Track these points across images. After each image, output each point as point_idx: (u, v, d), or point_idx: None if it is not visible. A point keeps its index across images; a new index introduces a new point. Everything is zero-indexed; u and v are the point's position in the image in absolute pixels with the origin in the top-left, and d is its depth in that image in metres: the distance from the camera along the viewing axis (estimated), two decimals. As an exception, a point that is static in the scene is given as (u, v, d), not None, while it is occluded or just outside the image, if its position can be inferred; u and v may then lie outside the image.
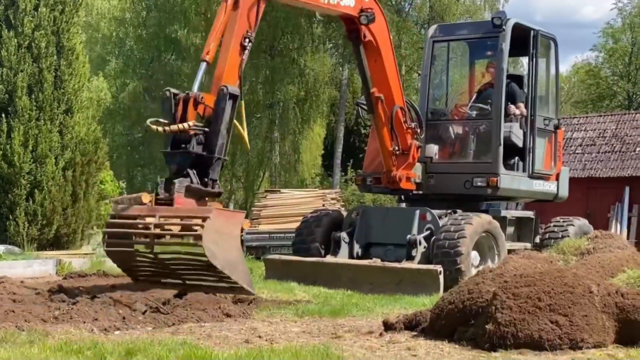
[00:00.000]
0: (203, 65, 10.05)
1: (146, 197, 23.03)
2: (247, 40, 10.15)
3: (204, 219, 8.96)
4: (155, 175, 47.67)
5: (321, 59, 39.99)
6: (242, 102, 10.20)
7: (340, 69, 40.08)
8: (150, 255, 9.65)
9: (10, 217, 16.19)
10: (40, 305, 9.01)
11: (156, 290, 10.78)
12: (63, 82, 17.05)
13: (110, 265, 14.21)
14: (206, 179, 9.63)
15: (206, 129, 9.65)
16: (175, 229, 9.54)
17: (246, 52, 10.19)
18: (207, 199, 9.69)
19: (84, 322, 8.00)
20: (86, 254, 15.99)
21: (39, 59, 16.72)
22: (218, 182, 9.77)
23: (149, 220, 9.58)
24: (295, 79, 39.96)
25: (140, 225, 9.77)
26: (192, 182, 9.52)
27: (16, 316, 8.16)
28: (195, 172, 9.58)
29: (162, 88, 46.75)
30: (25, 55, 16.55)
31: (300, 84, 40.13)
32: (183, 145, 9.63)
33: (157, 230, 9.53)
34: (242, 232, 9.59)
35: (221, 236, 9.06)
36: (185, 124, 9.48)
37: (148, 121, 9.94)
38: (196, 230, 8.98)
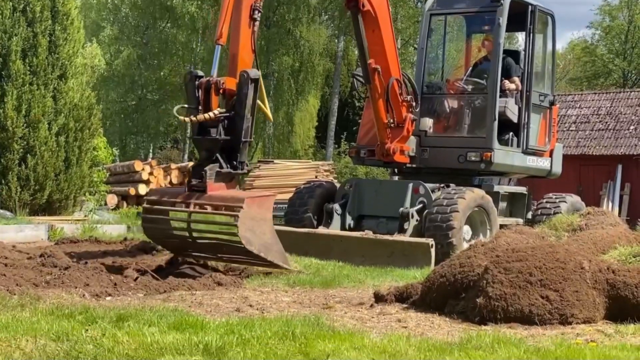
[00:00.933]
0: (218, 49, 10.06)
1: (139, 165, 22.97)
2: (255, 11, 10.10)
3: (238, 208, 9.21)
4: (148, 143, 47.68)
5: (317, 30, 39.89)
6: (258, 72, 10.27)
7: (336, 40, 39.99)
8: (188, 238, 9.87)
9: (3, 181, 16.15)
10: (31, 269, 9.01)
11: (148, 257, 10.81)
12: (57, 47, 16.95)
13: (102, 231, 14.25)
14: (235, 162, 9.77)
15: (231, 114, 9.70)
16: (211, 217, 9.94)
17: (256, 23, 10.18)
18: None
19: (76, 288, 8.00)
20: (78, 220, 15.98)
21: (34, 23, 16.60)
22: (246, 162, 9.92)
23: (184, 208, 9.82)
24: (290, 50, 39.88)
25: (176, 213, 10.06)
26: (221, 167, 9.67)
27: (7, 280, 8.15)
28: (224, 156, 9.72)
29: (156, 56, 46.86)
30: (20, 19, 16.43)
31: (295, 55, 40.05)
32: (211, 130, 9.74)
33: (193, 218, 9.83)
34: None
35: (256, 222, 9.38)
36: (211, 113, 9.56)
37: (175, 109, 10.37)
38: (232, 221, 9.29)
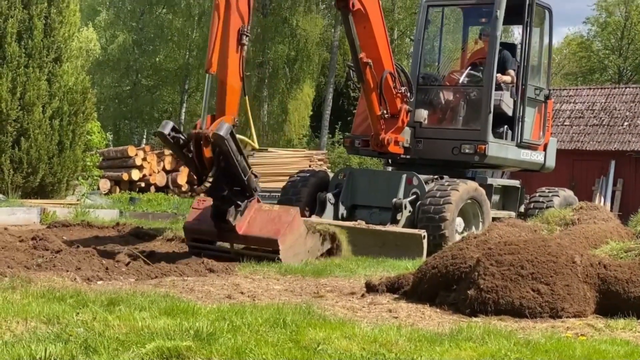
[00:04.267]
0: (209, 78, 10.02)
1: (132, 150, 22.94)
2: (243, 36, 9.98)
3: (277, 246, 9.83)
4: (142, 128, 47.64)
5: (313, 19, 39.81)
6: (247, 97, 10.26)
7: (332, 30, 39.92)
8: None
9: (-5, 163, 16.13)
10: (23, 252, 9.01)
11: (140, 242, 10.81)
12: (53, 30, 16.91)
13: (94, 216, 14.24)
14: (247, 194, 10.02)
15: (223, 165, 9.75)
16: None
17: (245, 48, 10.07)
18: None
19: (67, 271, 7.99)
20: (71, 204, 15.97)
21: (30, 6, 16.56)
22: (255, 184, 10.09)
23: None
24: (286, 39, 39.80)
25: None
26: (239, 206, 9.92)
27: (-1, 262, 8.15)
28: (236, 195, 9.94)
29: (152, 41, 46.58)
30: (16, 1, 16.40)
31: (291, 43, 39.98)
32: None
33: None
34: None
35: (295, 242, 10.05)
36: (207, 183, 9.64)
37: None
38: (277, 256, 9.84)
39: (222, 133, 9.40)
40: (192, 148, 9.69)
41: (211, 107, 10.13)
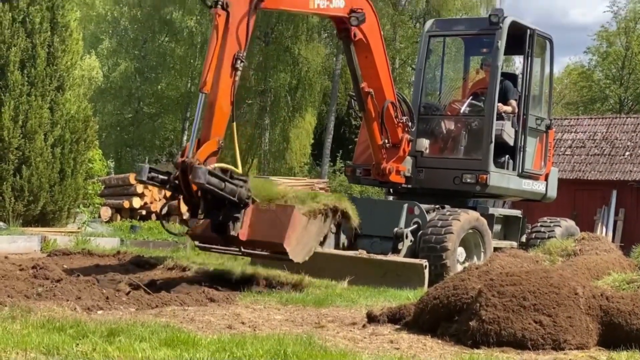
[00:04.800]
0: (202, 97, 9.95)
1: (133, 178, 22.94)
2: (238, 61, 9.95)
3: (284, 249, 9.83)
4: (144, 156, 47.64)
5: (315, 48, 39.95)
6: (234, 123, 10.18)
7: (334, 59, 40.06)
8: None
9: (-3, 191, 16.12)
10: (23, 281, 8.99)
11: (141, 271, 10.79)
12: (56, 59, 16.96)
13: (95, 244, 14.21)
14: (242, 204, 9.88)
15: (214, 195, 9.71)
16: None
17: (238, 73, 10.02)
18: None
19: (67, 300, 7.97)
20: (72, 232, 15.94)
21: (33, 34, 16.61)
22: (247, 192, 9.88)
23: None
24: (288, 67, 39.93)
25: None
26: (237, 219, 9.83)
27: (-1, 291, 8.12)
28: (232, 209, 9.84)
29: (154, 69, 46.70)
30: (19, 30, 16.44)
31: (293, 72, 40.09)
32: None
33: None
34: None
35: (300, 237, 10.00)
36: (199, 220, 9.78)
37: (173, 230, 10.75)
38: (287, 258, 9.99)
39: (200, 180, 9.28)
40: (179, 176, 9.63)
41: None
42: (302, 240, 10.07)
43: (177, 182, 9.71)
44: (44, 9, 16.76)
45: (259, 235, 9.93)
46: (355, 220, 10.81)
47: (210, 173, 9.39)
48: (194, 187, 9.59)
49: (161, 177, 9.82)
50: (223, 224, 9.81)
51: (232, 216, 9.80)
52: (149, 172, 9.74)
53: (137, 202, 22.68)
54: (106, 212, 22.13)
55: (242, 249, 10.27)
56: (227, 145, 10.21)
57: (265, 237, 9.94)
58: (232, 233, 9.77)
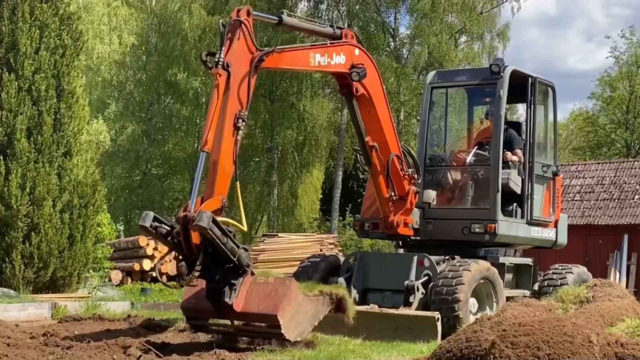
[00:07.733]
0: (203, 156, 9.93)
1: (143, 240, 22.77)
2: (240, 120, 9.98)
3: (277, 322, 9.48)
4: (153, 218, 47.62)
5: (320, 103, 40.19)
6: (237, 183, 10.18)
7: (339, 113, 40.23)
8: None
9: (7, 259, 16.10)
10: (34, 349, 8.95)
11: (152, 334, 10.74)
12: (62, 125, 17.05)
13: (105, 308, 14.16)
14: (240, 271, 9.71)
15: (210, 252, 9.60)
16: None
17: (240, 132, 10.03)
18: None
19: (78, 367, 7.93)
20: (82, 297, 15.90)
21: (39, 102, 16.74)
22: (247, 259, 9.77)
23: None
24: (294, 124, 40.14)
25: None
26: (233, 285, 9.63)
27: (10, 360, 8.09)
28: (230, 273, 9.69)
29: (161, 131, 47.05)
30: (25, 98, 16.57)
31: (299, 128, 40.31)
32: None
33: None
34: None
35: (295, 313, 9.71)
36: (195, 273, 9.50)
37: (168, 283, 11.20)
38: (279, 333, 9.61)
39: (203, 224, 9.17)
40: (180, 231, 9.55)
41: (203, 187, 10.05)
42: (297, 317, 9.75)
43: (179, 238, 9.61)
44: (49, 76, 16.91)
45: (253, 306, 9.64)
46: (351, 312, 10.41)
47: (214, 221, 9.30)
48: (195, 240, 9.45)
49: (165, 228, 9.70)
50: (218, 289, 9.61)
51: (228, 281, 9.59)
52: (153, 220, 9.65)
53: (147, 265, 22.65)
54: (117, 276, 22.11)
55: (234, 323, 9.99)
56: (232, 204, 10.16)
57: (260, 309, 9.60)
58: (227, 300, 9.51)
